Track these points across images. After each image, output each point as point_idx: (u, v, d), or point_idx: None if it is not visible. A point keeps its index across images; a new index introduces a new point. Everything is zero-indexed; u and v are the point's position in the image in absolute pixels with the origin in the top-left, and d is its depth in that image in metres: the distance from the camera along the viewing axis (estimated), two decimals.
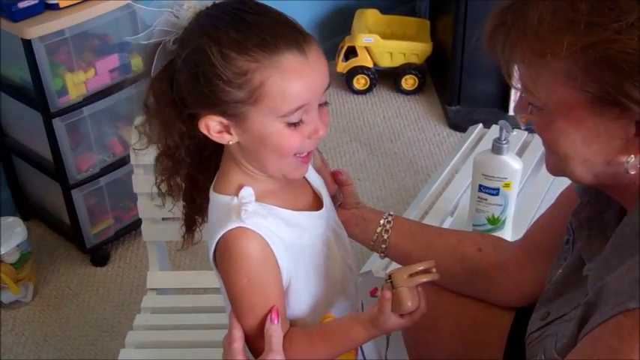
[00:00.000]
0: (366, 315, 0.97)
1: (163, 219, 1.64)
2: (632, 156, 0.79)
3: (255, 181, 0.96)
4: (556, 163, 0.86)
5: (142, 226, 1.61)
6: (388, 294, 0.93)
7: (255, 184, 0.96)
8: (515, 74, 0.84)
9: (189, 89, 0.90)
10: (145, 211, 1.59)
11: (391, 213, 1.18)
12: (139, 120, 1.50)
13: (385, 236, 1.16)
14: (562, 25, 0.75)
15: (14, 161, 2.38)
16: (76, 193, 2.18)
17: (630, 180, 0.81)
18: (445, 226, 1.67)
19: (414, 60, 3.10)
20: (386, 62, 3.11)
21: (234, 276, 0.94)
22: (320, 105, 0.92)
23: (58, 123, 2.05)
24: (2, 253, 2.08)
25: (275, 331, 0.93)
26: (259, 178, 0.96)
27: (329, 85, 0.92)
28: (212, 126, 0.91)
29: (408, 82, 3.13)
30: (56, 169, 2.15)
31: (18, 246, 2.12)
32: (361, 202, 1.19)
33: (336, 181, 1.15)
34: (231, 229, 0.92)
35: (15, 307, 2.18)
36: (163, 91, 0.93)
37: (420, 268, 0.94)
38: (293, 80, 0.87)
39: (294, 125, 0.89)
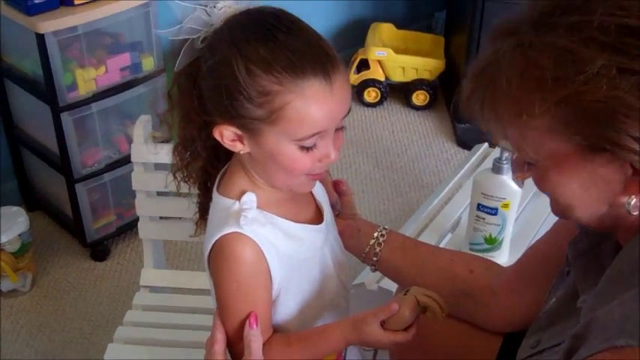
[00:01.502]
0: (350, 317, 0.98)
1: (161, 218, 1.65)
2: (633, 196, 0.78)
3: (260, 189, 0.96)
4: (559, 211, 0.86)
5: (139, 223, 1.62)
6: (395, 306, 0.94)
7: (259, 192, 0.96)
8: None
9: (209, 97, 0.90)
10: (143, 208, 1.60)
11: (386, 227, 1.18)
12: (142, 118, 1.54)
13: (377, 249, 1.16)
14: (531, 84, 0.76)
15: (22, 152, 2.41)
16: (79, 188, 2.20)
17: (633, 221, 0.80)
18: (444, 242, 1.68)
19: (426, 76, 3.10)
20: (398, 77, 3.12)
21: (224, 279, 0.95)
22: (336, 129, 0.92)
23: (66, 117, 2.07)
24: (3, 241, 2.10)
25: (254, 336, 0.94)
26: (264, 187, 0.97)
27: (349, 111, 0.92)
28: (226, 134, 0.91)
29: (419, 97, 3.14)
30: (62, 163, 2.17)
31: (19, 235, 2.13)
32: (358, 214, 1.19)
33: (336, 190, 1.15)
34: (227, 234, 0.93)
35: (13, 295, 2.20)
36: (185, 88, 0.94)
37: (438, 299, 0.96)
38: (313, 108, 0.86)
39: (307, 149, 0.90)
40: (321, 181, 1.09)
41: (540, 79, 0.75)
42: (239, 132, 0.90)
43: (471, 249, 1.57)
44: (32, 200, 2.49)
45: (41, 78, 2.03)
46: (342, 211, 1.16)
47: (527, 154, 0.82)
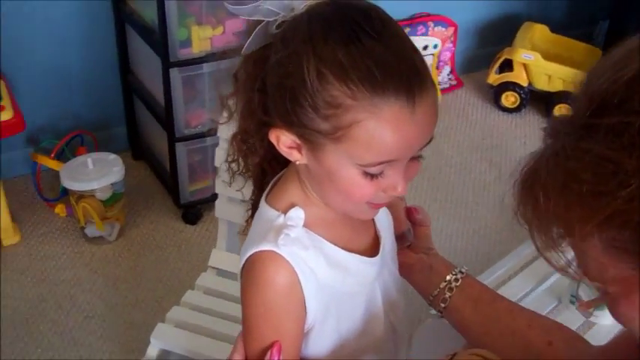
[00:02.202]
0: None
1: (242, 200, 1.55)
2: None
3: (312, 204, 0.84)
4: None
5: (217, 201, 1.55)
6: None
7: (310, 208, 0.84)
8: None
9: (272, 94, 0.79)
10: (222, 186, 1.51)
11: (463, 270, 1.02)
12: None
13: (447, 294, 1.00)
14: (570, 200, 0.61)
15: (134, 99, 2.39)
16: (180, 147, 2.16)
17: None
18: (546, 284, 1.49)
19: (572, 89, 2.82)
20: (542, 84, 2.87)
21: (251, 300, 0.84)
22: (412, 158, 0.78)
23: (175, 73, 2.02)
24: (95, 188, 2.09)
25: None
26: (318, 203, 0.84)
27: (431, 140, 0.78)
28: (283, 140, 0.80)
29: (562, 111, 2.87)
30: (166, 119, 2.13)
31: (112, 185, 2.12)
32: (434, 249, 1.04)
33: (410, 218, 1.01)
34: (263, 250, 0.81)
35: (98, 242, 2.20)
36: (252, 75, 0.83)
37: (493, 358, 0.84)
38: (387, 133, 0.73)
39: (372, 176, 0.77)
40: (389, 206, 0.94)
41: (580, 195, 0.60)
42: (298, 141, 0.78)
43: (571, 301, 1.38)
44: (138, 149, 2.49)
45: (157, 29, 1.98)
46: (414, 243, 1.01)
47: (592, 278, 0.66)
